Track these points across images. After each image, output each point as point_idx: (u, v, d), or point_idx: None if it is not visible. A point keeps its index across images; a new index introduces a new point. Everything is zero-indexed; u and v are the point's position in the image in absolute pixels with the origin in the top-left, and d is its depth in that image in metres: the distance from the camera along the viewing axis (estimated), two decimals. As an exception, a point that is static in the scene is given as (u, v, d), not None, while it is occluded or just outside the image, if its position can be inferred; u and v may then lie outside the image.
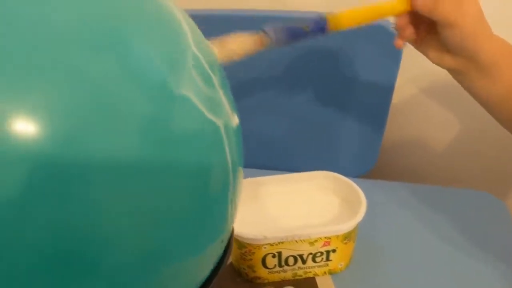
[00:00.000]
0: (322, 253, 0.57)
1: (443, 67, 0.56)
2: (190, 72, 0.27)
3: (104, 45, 0.25)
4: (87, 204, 0.23)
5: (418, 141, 0.87)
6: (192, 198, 0.27)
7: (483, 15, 0.52)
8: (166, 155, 0.26)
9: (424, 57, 0.57)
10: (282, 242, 0.55)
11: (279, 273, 0.58)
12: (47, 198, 0.22)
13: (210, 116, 0.28)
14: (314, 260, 0.58)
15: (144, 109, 0.25)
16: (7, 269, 0.22)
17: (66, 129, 0.23)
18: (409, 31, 0.55)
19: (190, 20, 0.32)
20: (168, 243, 0.27)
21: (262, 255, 0.56)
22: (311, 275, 0.59)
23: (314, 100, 0.76)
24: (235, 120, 0.31)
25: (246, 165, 0.75)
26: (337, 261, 0.59)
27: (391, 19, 0.56)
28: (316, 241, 0.56)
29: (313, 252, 0.57)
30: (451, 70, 0.56)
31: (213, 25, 0.68)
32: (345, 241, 0.57)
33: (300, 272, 0.59)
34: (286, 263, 0.58)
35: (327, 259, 0.58)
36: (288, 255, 0.57)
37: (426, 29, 0.55)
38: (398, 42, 0.57)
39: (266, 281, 0.59)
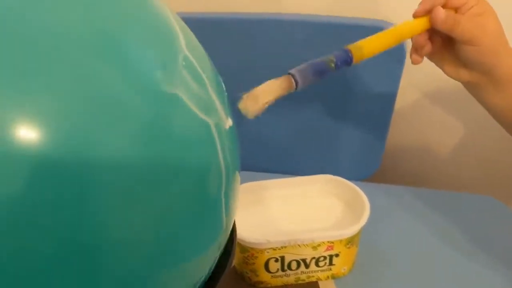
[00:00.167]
0: (325, 257, 0.57)
1: (458, 80, 0.55)
2: (180, 71, 0.27)
3: (102, 48, 0.25)
4: (83, 207, 0.23)
5: (421, 145, 0.87)
6: (184, 196, 0.27)
7: (503, 31, 0.51)
8: (158, 152, 0.26)
9: (427, 61, 0.56)
10: (285, 247, 0.55)
11: (282, 277, 0.58)
12: (50, 201, 0.22)
13: (200, 114, 0.28)
14: (317, 265, 0.57)
15: (139, 108, 0.25)
16: (16, 272, 0.22)
17: (68, 132, 0.23)
18: (428, 48, 0.54)
19: (186, 28, 0.32)
20: (158, 243, 0.27)
21: (265, 259, 0.56)
22: (314, 279, 0.59)
23: (317, 104, 0.76)
24: (228, 122, 0.31)
25: (249, 168, 0.76)
26: (340, 266, 0.58)
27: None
28: (319, 245, 0.55)
29: (316, 256, 0.56)
30: (466, 84, 0.56)
31: (207, 28, 0.68)
32: (348, 246, 0.57)
33: (303, 276, 0.58)
34: (289, 268, 0.57)
35: (330, 263, 0.58)
36: (291, 259, 0.56)
37: (443, 43, 0.55)
38: (416, 58, 0.55)
39: (269, 285, 0.59)
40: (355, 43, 0.49)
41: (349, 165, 0.80)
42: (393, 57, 0.68)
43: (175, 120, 0.26)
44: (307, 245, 0.55)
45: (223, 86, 0.34)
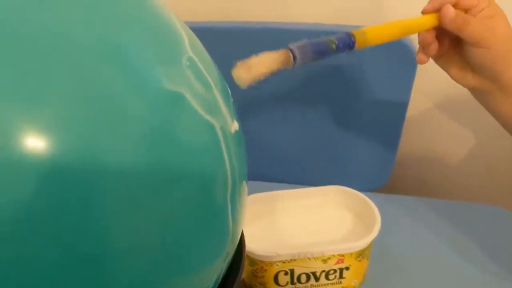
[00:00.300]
0: (335, 270, 0.55)
1: (464, 85, 0.54)
2: (184, 71, 0.27)
3: (104, 51, 0.25)
4: (88, 213, 0.23)
5: (431, 154, 0.85)
6: (188, 201, 0.27)
7: None
8: (162, 156, 0.25)
9: (439, 69, 0.55)
10: (295, 259, 0.54)
11: (291, 290, 0.57)
12: (55, 208, 0.22)
13: (205, 115, 0.27)
14: (327, 278, 0.56)
15: (142, 109, 0.25)
16: (20, 279, 0.22)
17: (73, 139, 0.23)
18: (434, 46, 0.52)
19: (191, 33, 0.32)
20: (163, 249, 0.26)
21: (274, 272, 0.55)
22: (324, 293, 0.57)
23: (327, 113, 0.75)
24: (234, 126, 0.30)
25: (258, 178, 0.75)
26: (351, 279, 0.57)
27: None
28: (329, 258, 0.54)
29: (326, 269, 0.55)
30: (473, 90, 0.54)
31: (212, 37, 0.68)
32: (359, 259, 0.55)
33: (313, 290, 0.57)
34: (299, 281, 0.56)
35: (341, 276, 0.56)
36: (300, 272, 0.55)
37: (449, 44, 0.53)
38: (421, 57, 0.53)
39: (278, 299, 0.57)
40: (360, 29, 0.47)
41: (360, 175, 0.78)
42: (405, 65, 0.67)
43: (180, 119, 0.26)
44: (317, 258, 0.54)
45: (229, 91, 0.33)
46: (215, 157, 0.28)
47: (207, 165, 0.27)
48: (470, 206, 0.73)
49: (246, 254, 0.52)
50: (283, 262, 0.54)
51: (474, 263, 0.62)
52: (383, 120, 0.73)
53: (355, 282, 0.58)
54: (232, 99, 0.34)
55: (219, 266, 0.32)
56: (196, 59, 0.28)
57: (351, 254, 0.54)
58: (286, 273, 0.55)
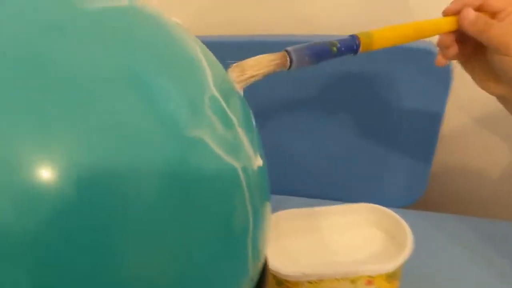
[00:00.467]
0: (364, 292, 0.53)
1: (488, 92, 0.51)
2: (206, 112, 0.26)
3: (127, 87, 0.24)
4: (106, 247, 0.23)
5: (468, 170, 0.82)
6: (206, 241, 0.26)
7: None
8: (181, 197, 0.24)
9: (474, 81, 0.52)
10: (322, 280, 0.52)
11: (318, 311, 0.55)
12: (73, 241, 0.22)
13: (226, 158, 0.26)
14: (355, 300, 0.54)
15: (162, 153, 0.24)
16: None
17: (95, 173, 0.22)
18: (453, 50, 0.50)
19: (214, 61, 0.31)
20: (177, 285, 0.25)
21: (301, 292, 0.53)
22: (352, 314, 0.56)
23: (358, 127, 0.73)
24: (257, 162, 0.29)
25: (285, 193, 0.74)
26: (381, 301, 0.55)
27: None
28: (358, 279, 0.52)
29: (355, 291, 0.53)
30: (498, 97, 0.51)
31: (236, 50, 0.67)
32: (389, 280, 0.53)
33: (341, 311, 0.55)
34: (326, 302, 0.54)
35: (370, 298, 0.54)
36: (328, 293, 0.53)
37: (473, 47, 0.50)
38: (439, 60, 0.51)
39: (305, 319, 0.56)
40: (366, 31, 0.45)
41: (392, 190, 0.76)
42: (439, 76, 0.64)
43: (198, 164, 0.25)
44: (345, 279, 0.52)
45: (253, 121, 0.32)
46: (236, 199, 0.27)
47: (227, 206, 0.26)
48: (507, 225, 0.70)
49: (273, 274, 0.52)
50: (310, 282, 0.52)
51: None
52: (417, 133, 0.71)
53: (384, 305, 0.56)
54: (255, 129, 0.32)
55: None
56: (218, 96, 0.27)
57: (381, 275, 0.52)
58: (313, 294, 0.53)
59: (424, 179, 0.74)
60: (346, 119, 0.72)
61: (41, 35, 0.24)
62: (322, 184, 0.78)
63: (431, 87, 0.67)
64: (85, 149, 0.22)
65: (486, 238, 0.66)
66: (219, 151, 0.25)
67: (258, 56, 0.37)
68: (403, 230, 0.55)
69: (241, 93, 0.34)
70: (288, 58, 0.38)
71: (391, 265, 0.52)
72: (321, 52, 0.41)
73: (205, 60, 0.29)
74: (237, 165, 0.26)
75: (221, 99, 0.27)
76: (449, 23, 0.48)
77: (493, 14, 0.47)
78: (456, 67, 0.63)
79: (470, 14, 0.46)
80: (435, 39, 0.51)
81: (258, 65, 0.36)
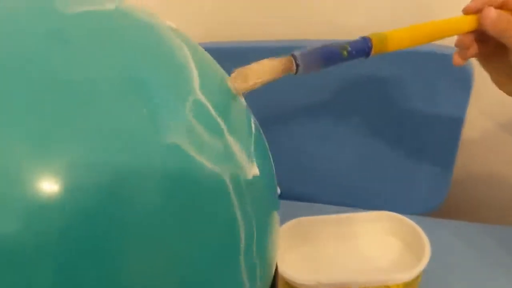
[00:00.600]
0: (380, 302, 0.51)
1: (507, 93, 0.48)
2: (187, 118, 0.24)
3: (112, 91, 0.23)
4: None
5: (491, 177, 0.79)
6: (189, 255, 0.24)
7: None
8: (159, 208, 0.23)
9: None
10: (337, 289, 0.50)
11: (333, 321, 0.53)
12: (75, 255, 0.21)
13: (210, 166, 0.24)
14: (371, 310, 0.52)
15: (138, 161, 0.23)
16: None
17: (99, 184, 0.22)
18: (472, 50, 0.46)
19: (206, 62, 0.29)
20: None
21: (315, 301, 0.51)
22: (368, 325, 0.53)
23: (377, 133, 0.70)
24: (253, 171, 0.27)
25: (305, 200, 0.72)
26: (397, 312, 0.52)
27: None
28: (374, 289, 0.50)
29: (370, 301, 0.51)
30: None
31: (244, 56, 0.65)
32: (406, 290, 0.51)
33: (356, 321, 0.53)
34: (341, 311, 0.52)
35: (386, 309, 0.52)
36: (343, 302, 0.51)
37: (494, 47, 0.46)
38: (457, 60, 0.48)
39: (319, 329, 0.54)
40: (379, 32, 0.42)
41: (411, 197, 0.73)
42: (460, 80, 0.62)
43: (175, 172, 0.23)
44: (360, 288, 0.50)
45: (252, 129, 0.30)
46: (221, 209, 0.25)
47: (211, 216, 0.24)
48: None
49: (287, 282, 0.50)
50: (325, 291, 0.50)
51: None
52: (437, 139, 0.68)
53: (401, 316, 0.53)
54: (256, 137, 0.31)
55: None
56: (205, 101, 0.25)
57: (397, 285, 0.50)
58: (327, 303, 0.51)
59: (445, 186, 0.71)
60: (364, 125, 0.70)
61: (36, 42, 0.24)
62: (341, 191, 0.76)
63: (452, 92, 0.64)
64: (85, 158, 0.21)
65: (507, 246, 0.63)
66: (200, 158, 0.23)
67: (262, 61, 0.34)
68: (420, 239, 0.53)
69: (242, 99, 0.33)
70: (294, 63, 0.35)
71: (408, 275, 0.49)
72: (330, 56, 0.38)
73: (195, 64, 0.27)
74: (224, 173, 0.25)
75: (208, 104, 0.25)
76: (468, 23, 0.45)
77: None
78: (477, 69, 0.61)
79: (491, 12, 0.43)
80: (452, 39, 0.49)
81: (262, 71, 0.33)
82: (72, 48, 0.24)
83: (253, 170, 0.27)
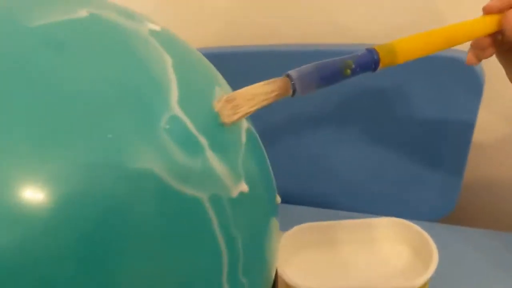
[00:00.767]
0: (386, 310, 0.49)
1: None
2: (160, 138, 0.22)
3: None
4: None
5: (503, 182, 0.76)
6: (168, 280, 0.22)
7: None
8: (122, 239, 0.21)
9: (508, 86, 0.46)
10: (341, 296, 0.49)
11: (338, 328, 0.51)
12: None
13: (184, 189, 0.22)
14: (377, 318, 0.50)
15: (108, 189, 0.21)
16: None
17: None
18: (489, 53, 0.42)
19: (193, 72, 0.27)
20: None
21: (320, 308, 0.50)
22: (374, 333, 0.51)
23: (386, 138, 0.68)
24: (238, 188, 0.25)
25: (312, 205, 0.71)
26: (404, 321, 0.50)
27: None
28: (379, 296, 0.48)
29: (376, 308, 0.49)
30: None
31: (268, 60, 0.63)
32: (413, 298, 0.49)
33: (362, 329, 0.51)
34: (346, 319, 0.50)
35: (392, 317, 0.50)
36: (349, 310, 0.50)
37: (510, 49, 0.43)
38: (471, 59, 0.44)
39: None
40: (386, 43, 0.37)
41: (421, 203, 0.71)
42: (470, 83, 0.60)
43: (146, 199, 0.21)
44: (366, 295, 0.48)
45: (244, 136, 0.28)
46: (199, 232, 0.23)
47: (188, 242, 0.22)
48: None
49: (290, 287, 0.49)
50: (328, 298, 0.49)
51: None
52: (448, 144, 0.66)
53: (408, 325, 0.51)
54: (247, 146, 0.28)
55: None
56: (183, 116, 0.23)
57: (404, 293, 0.48)
58: (332, 310, 0.50)
59: (456, 191, 0.69)
60: (373, 130, 0.69)
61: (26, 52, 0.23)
62: (351, 197, 0.75)
63: (463, 96, 0.62)
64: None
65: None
66: (174, 182, 0.21)
67: (253, 87, 0.30)
68: (429, 246, 0.51)
69: None
70: (291, 86, 0.32)
71: (415, 282, 0.47)
72: (331, 76, 0.34)
73: (176, 74, 0.25)
74: (202, 196, 0.23)
75: (187, 120, 0.23)
76: (488, 25, 0.41)
77: None
78: (488, 73, 0.58)
79: None
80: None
81: (254, 99, 0.30)
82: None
83: (240, 187, 0.25)
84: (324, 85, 0.34)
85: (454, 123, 0.63)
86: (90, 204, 0.20)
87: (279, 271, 0.48)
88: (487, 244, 0.63)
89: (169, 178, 0.21)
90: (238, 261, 0.25)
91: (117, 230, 0.20)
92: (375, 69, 0.36)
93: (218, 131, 0.26)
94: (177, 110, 0.23)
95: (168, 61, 0.25)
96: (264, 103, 0.30)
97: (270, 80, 0.31)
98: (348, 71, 0.34)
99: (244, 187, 0.26)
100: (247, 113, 0.29)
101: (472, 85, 0.59)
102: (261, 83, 0.30)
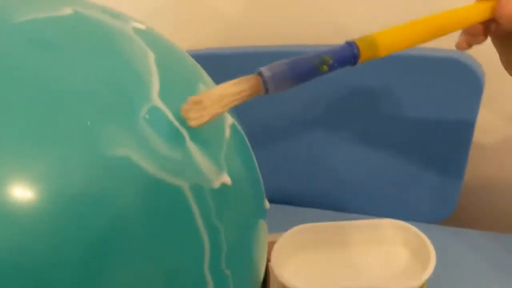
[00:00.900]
0: (383, 312, 0.49)
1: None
2: (139, 127, 0.22)
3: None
4: None
5: (504, 183, 0.75)
6: (149, 272, 0.22)
7: None
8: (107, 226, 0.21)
9: (509, 84, 0.45)
10: (338, 298, 0.48)
11: (336, 330, 0.51)
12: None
13: (164, 177, 0.22)
14: (374, 319, 0.49)
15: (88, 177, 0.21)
16: None
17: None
18: (481, 40, 0.41)
19: (176, 69, 0.27)
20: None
21: (318, 310, 0.49)
22: (371, 335, 0.51)
23: (384, 138, 0.68)
24: (220, 179, 0.25)
25: (312, 206, 0.70)
26: (401, 323, 0.50)
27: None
28: (377, 297, 0.48)
29: (373, 310, 0.49)
30: None
31: (270, 62, 0.63)
32: (411, 300, 0.48)
33: (359, 331, 0.51)
34: (343, 321, 0.50)
35: (389, 319, 0.49)
36: (345, 312, 0.49)
37: (505, 36, 0.41)
38: (462, 44, 0.42)
39: None
40: (367, 35, 0.35)
41: (420, 205, 0.70)
42: (469, 82, 0.59)
43: (125, 186, 0.21)
44: (362, 298, 0.48)
45: (227, 132, 0.28)
46: (181, 219, 0.23)
47: (169, 229, 0.23)
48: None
49: (286, 288, 0.49)
50: (325, 299, 0.48)
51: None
52: (447, 144, 0.65)
53: (405, 327, 0.51)
54: (231, 142, 0.29)
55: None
56: (164, 108, 0.24)
57: (401, 294, 0.48)
58: (330, 312, 0.49)
59: (456, 192, 0.68)
60: (372, 131, 0.68)
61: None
62: (348, 197, 0.74)
63: (462, 96, 0.61)
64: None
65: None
66: (152, 169, 0.22)
67: (222, 87, 0.29)
68: (426, 247, 0.50)
69: None
70: (263, 85, 0.30)
71: (413, 283, 0.47)
72: (306, 73, 0.32)
73: (158, 69, 0.25)
74: (182, 184, 0.23)
75: (167, 111, 0.24)
76: (481, 13, 0.39)
77: None
78: (488, 73, 0.58)
79: (510, 4, 0.37)
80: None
81: (223, 100, 0.28)
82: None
83: (222, 178, 0.26)
84: (299, 83, 0.32)
85: (454, 123, 0.63)
86: (68, 194, 0.20)
87: (276, 273, 0.48)
88: (486, 246, 0.62)
89: (148, 165, 0.22)
90: (220, 252, 0.25)
91: (97, 219, 0.20)
92: (354, 63, 0.34)
93: (204, 130, 0.26)
94: (157, 102, 0.24)
95: (151, 56, 0.26)
96: (234, 103, 0.29)
97: (240, 78, 0.29)
98: (325, 67, 0.33)
99: (226, 179, 0.26)
100: (215, 115, 0.27)
101: (472, 85, 0.59)
102: (231, 82, 0.29)
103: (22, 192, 0.20)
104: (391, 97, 0.65)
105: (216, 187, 0.25)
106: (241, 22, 0.70)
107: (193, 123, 0.25)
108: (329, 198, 0.73)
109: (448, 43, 0.62)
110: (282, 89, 0.30)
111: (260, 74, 0.29)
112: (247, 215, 0.29)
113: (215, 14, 0.70)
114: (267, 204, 0.35)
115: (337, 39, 0.61)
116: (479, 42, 0.41)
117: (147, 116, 0.23)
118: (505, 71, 0.45)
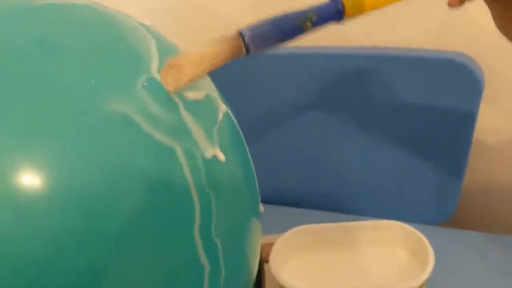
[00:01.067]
0: (382, 312, 0.49)
1: (507, 36, 0.42)
2: (136, 92, 0.25)
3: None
4: None
5: (504, 184, 0.74)
6: (138, 231, 0.24)
7: None
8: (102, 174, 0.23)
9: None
10: (336, 298, 0.49)
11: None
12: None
13: (159, 136, 0.24)
14: (373, 320, 0.50)
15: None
16: None
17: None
18: None
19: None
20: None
21: (318, 310, 0.50)
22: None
23: (384, 138, 0.68)
24: (211, 151, 0.27)
25: (311, 207, 0.71)
26: (400, 323, 0.50)
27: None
28: (375, 298, 0.48)
29: (372, 310, 0.49)
30: None
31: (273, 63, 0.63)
32: (409, 301, 0.49)
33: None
34: (343, 321, 0.50)
35: (388, 319, 0.50)
36: (344, 312, 0.50)
37: None
38: (454, 2, 0.41)
39: None
40: None
41: (420, 206, 0.70)
42: (469, 83, 0.59)
43: (119, 139, 0.23)
44: (362, 297, 0.48)
45: (220, 116, 0.30)
46: (173, 177, 0.25)
47: (161, 185, 0.24)
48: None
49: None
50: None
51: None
52: (447, 144, 0.65)
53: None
54: (224, 127, 0.30)
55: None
56: (160, 80, 0.26)
57: (399, 295, 0.48)
58: (330, 312, 0.50)
59: (455, 195, 0.68)
60: (371, 131, 0.68)
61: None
62: (348, 199, 0.74)
63: (462, 96, 0.61)
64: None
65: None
66: (148, 128, 0.24)
67: (201, 48, 0.28)
68: (425, 248, 0.51)
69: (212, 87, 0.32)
70: (243, 45, 0.29)
71: (412, 284, 0.47)
72: (289, 32, 0.31)
73: (158, 51, 0.28)
74: (175, 145, 0.25)
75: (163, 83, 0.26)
76: None
77: None
78: (487, 72, 0.58)
79: None
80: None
81: (202, 63, 0.27)
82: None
83: (214, 151, 0.27)
84: (281, 42, 0.31)
85: (454, 124, 0.62)
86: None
87: (274, 273, 0.48)
88: (485, 247, 0.62)
89: (144, 123, 0.24)
90: (210, 219, 0.27)
91: (94, 173, 0.22)
92: (339, 19, 0.33)
93: (197, 102, 0.28)
94: (156, 75, 0.26)
95: (153, 42, 0.29)
96: (214, 66, 0.28)
97: (220, 38, 0.28)
98: (308, 24, 0.32)
99: (219, 153, 0.27)
100: (193, 78, 0.27)
101: (472, 86, 0.59)
102: (210, 43, 0.28)
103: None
104: (391, 98, 0.65)
105: (208, 157, 0.27)
106: (240, 22, 0.72)
107: (169, 87, 0.26)
108: (328, 199, 0.72)
109: (448, 44, 0.63)
110: (263, 49, 0.30)
111: (240, 34, 0.28)
112: (241, 205, 0.31)
113: (215, 14, 0.71)
114: (261, 208, 0.37)
115: (337, 40, 0.62)
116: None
117: (145, 84, 0.25)
118: (505, 71, 0.45)
